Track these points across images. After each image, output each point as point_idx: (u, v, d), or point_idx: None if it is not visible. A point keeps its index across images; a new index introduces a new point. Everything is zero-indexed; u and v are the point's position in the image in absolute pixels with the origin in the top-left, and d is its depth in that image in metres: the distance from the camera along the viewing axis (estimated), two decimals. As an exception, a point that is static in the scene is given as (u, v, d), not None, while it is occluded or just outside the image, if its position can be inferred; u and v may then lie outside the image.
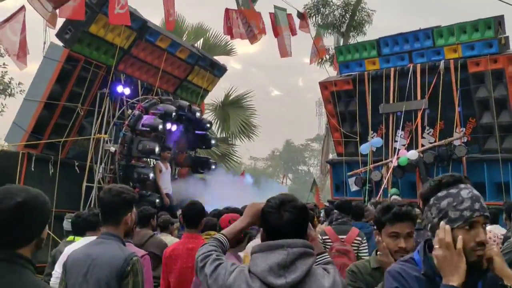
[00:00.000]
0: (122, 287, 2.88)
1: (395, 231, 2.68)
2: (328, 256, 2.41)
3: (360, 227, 5.77)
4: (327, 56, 19.19)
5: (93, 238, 3.67)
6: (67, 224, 5.90)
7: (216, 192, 10.25)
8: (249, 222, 2.33)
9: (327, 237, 5.44)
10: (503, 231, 5.84)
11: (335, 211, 5.88)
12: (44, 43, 9.09)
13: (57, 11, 7.85)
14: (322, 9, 20.38)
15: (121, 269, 2.86)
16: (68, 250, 4.08)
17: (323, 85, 12.48)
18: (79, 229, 4.81)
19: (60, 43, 9.31)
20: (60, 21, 8.97)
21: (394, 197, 10.08)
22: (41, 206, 1.97)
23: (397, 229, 2.68)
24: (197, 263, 2.23)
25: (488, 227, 6.50)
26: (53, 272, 4.26)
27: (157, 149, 9.68)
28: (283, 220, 2.11)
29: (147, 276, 3.41)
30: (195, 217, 4.52)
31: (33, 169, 8.93)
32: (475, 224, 1.78)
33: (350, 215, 5.78)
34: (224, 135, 18.71)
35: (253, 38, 11.42)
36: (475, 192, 1.83)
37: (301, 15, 13.27)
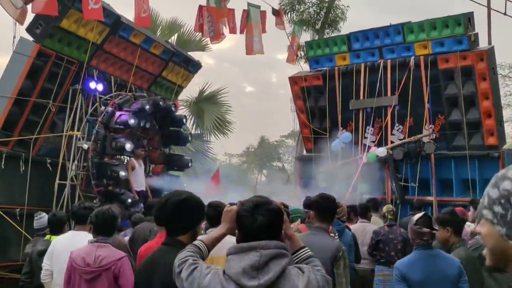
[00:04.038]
0: None
1: None
2: (309, 250, 2.43)
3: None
4: (302, 53, 19.27)
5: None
6: (36, 223, 5.92)
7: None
8: (228, 228, 2.37)
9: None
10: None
11: (311, 208, 5.97)
12: (14, 37, 8.93)
13: (28, 7, 7.70)
14: (297, 6, 20.44)
15: None
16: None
17: (293, 80, 12.29)
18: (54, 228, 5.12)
19: (31, 38, 9.15)
20: (30, 16, 8.82)
21: (365, 194, 10.14)
22: None
23: None
24: (174, 270, 2.25)
25: (469, 223, 6.72)
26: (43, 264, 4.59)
27: (130, 147, 9.62)
28: (257, 223, 2.15)
29: (128, 277, 3.61)
30: None
31: (3, 167, 8.81)
32: None
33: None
34: (198, 132, 18.68)
35: (214, 38, 11.36)
36: None
37: (276, 12, 13.29)
